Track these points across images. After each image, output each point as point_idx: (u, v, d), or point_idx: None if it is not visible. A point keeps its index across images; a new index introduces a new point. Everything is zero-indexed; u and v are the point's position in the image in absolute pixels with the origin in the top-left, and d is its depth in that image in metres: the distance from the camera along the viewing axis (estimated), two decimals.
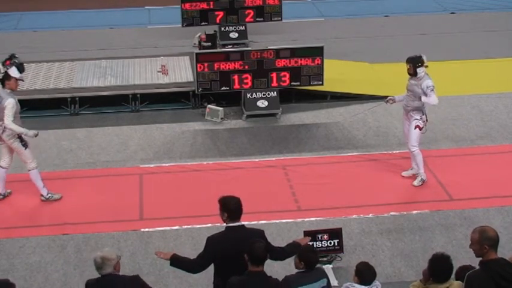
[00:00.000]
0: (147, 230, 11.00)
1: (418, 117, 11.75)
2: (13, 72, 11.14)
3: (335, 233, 10.15)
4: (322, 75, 14.18)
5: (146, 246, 10.50)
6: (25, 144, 11.33)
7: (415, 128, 11.76)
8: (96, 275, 9.97)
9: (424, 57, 11.67)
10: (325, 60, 14.18)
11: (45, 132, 13.66)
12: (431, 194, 11.81)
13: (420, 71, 11.59)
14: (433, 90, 11.59)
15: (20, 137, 11.27)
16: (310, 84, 14.36)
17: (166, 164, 12.85)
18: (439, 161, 12.79)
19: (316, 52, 14.17)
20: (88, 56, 16.61)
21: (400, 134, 13.75)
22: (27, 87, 14.63)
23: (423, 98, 11.59)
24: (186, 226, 11.03)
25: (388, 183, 12.03)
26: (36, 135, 11.38)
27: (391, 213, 11.31)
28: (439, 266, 7.25)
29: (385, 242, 10.62)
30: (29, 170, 11.47)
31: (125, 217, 11.35)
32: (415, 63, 11.62)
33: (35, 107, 14.42)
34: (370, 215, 11.25)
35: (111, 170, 12.70)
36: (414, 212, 11.31)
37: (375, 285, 7.82)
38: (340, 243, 10.14)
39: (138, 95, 14.77)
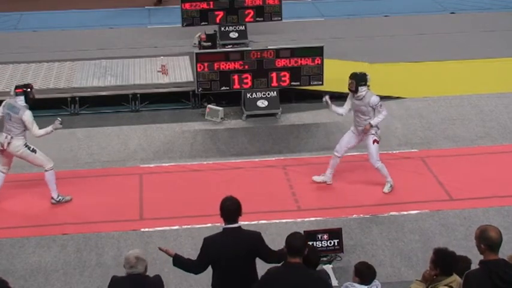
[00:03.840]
0: (147, 230, 11.00)
1: (374, 132, 11.58)
2: (20, 100, 11.31)
3: (335, 233, 10.15)
4: (322, 75, 14.18)
5: (146, 246, 10.49)
6: (33, 150, 11.39)
7: (374, 143, 11.58)
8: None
9: (368, 77, 11.47)
10: (325, 60, 14.18)
11: None
12: (431, 194, 11.81)
13: (362, 89, 11.39)
14: (382, 105, 11.45)
15: (26, 145, 11.32)
16: (310, 84, 14.35)
17: (166, 164, 12.85)
18: (439, 161, 12.79)
19: (316, 52, 14.17)
20: (88, 56, 16.62)
21: (400, 134, 13.77)
22: None
23: (376, 120, 11.43)
24: (186, 226, 11.03)
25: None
26: (61, 123, 11.53)
27: (391, 213, 11.31)
28: (448, 258, 7.23)
29: (385, 242, 10.62)
30: (46, 171, 11.49)
31: (125, 217, 11.35)
32: (358, 80, 11.40)
33: (35, 107, 14.35)
34: (370, 215, 11.25)
35: (111, 170, 12.70)
36: (414, 212, 11.31)
37: (374, 285, 7.82)
38: (340, 243, 10.13)
39: (138, 95, 14.77)
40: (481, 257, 6.84)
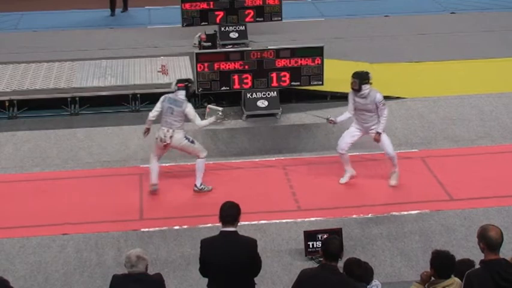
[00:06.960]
0: (147, 230, 11.00)
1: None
2: (181, 94, 11.62)
3: (335, 233, 10.14)
4: (322, 75, 14.16)
5: (146, 246, 10.48)
6: (192, 141, 11.73)
7: (383, 135, 11.74)
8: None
9: (371, 75, 11.60)
10: (325, 60, 14.17)
11: (45, 132, 13.67)
12: (431, 194, 11.81)
13: (365, 87, 11.48)
14: (384, 103, 11.57)
15: (186, 137, 11.65)
16: (310, 84, 14.33)
17: (166, 164, 12.84)
18: (440, 161, 12.79)
19: (316, 52, 14.15)
20: (88, 56, 16.60)
21: (400, 134, 13.77)
22: (27, 87, 14.63)
23: (382, 126, 11.58)
24: (186, 226, 11.03)
25: (388, 183, 12.02)
26: (222, 115, 12.27)
27: (391, 213, 11.31)
28: (444, 260, 7.25)
29: (385, 242, 10.62)
30: (198, 158, 11.80)
31: (125, 217, 11.35)
32: (361, 79, 11.50)
33: (35, 107, 14.41)
34: (370, 215, 11.25)
35: (111, 170, 12.70)
36: (414, 212, 11.31)
37: (374, 285, 7.82)
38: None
39: (138, 95, 14.76)
40: (482, 257, 6.85)
